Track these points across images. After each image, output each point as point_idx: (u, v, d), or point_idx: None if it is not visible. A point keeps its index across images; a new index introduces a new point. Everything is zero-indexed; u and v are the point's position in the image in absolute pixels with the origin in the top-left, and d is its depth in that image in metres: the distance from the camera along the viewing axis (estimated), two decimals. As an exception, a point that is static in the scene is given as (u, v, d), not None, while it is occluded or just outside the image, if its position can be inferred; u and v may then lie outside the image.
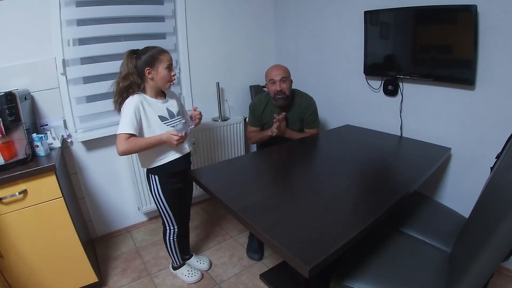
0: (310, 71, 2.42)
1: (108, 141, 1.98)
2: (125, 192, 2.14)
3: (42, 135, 1.46)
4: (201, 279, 1.70)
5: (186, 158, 1.53)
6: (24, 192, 1.29)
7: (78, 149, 1.91)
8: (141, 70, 1.34)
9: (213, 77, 2.33)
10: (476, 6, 1.39)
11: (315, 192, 1.28)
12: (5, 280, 1.35)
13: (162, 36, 2.13)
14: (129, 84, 1.33)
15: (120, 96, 1.36)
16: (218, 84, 2.34)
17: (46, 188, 1.34)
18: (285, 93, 1.84)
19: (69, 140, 1.85)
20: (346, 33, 2.09)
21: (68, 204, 1.41)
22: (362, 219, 1.03)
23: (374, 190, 1.28)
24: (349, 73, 2.15)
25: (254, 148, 2.56)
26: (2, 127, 1.26)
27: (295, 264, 0.87)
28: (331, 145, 1.88)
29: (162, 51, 1.34)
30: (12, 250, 1.33)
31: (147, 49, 1.35)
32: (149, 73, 1.34)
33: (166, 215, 1.55)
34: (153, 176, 1.47)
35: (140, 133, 1.35)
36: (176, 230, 1.60)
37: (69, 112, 1.83)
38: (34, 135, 1.42)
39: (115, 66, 1.92)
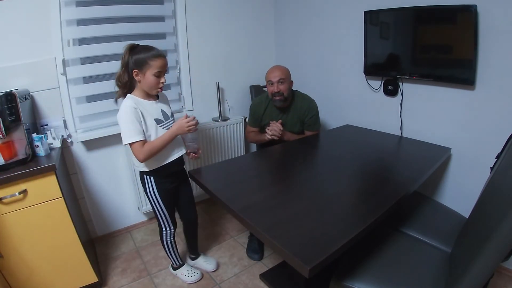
0: (310, 71, 2.42)
1: (108, 141, 1.98)
2: (125, 192, 2.14)
3: (42, 135, 1.46)
4: (200, 279, 1.70)
5: (180, 158, 1.52)
6: (24, 192, 1.29)
7: (78, 149, 1.91)
8: (130, 69, 1.29)
9: (213, 77, 2.34)
10: (476, 6, 1.39)
11: (315, 192, 1.28)
12: (5, 280, 1.35)
13: (162, 36, 2.13)
14: (117, 77, 1.33)
15: (117, 86, 1.35)
16: (218, 84, 2.34)
17: (46, 188, 1.34)
18: (282, 95, 1.83)
19: (69, 140, 1.85)
20: (346, 33, 2.10)
21: (68, 204, 1.41)
22: (362, 219, 1.03)
23: (374, 190, 1.28)
24: (349, 73, 2.15)
25: (254, 148, 2.56)
26: (2, 127, 1.26)
27: (295, 264, 0.87)
28: (331, 145, 1.89)
29: (155, 56, 1.26)
30: (12, 250, 1.33)
31: (143, 49, 1.28)
32: (136, 75, 1.29)
33: (162, 215, 1.54)
34: (147, 177, 1.44)
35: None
36: (172, 230, 1.60)
37: (69, 112, 1.83)
38: (34, 135, 1.42)
39: (115, 66, 1.92)
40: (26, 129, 1.37)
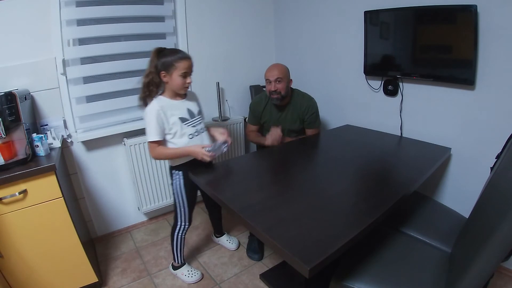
0: (310, 71, 2.42)
1: (108, 141, 1.98)
2: (125, 192, 2.14)
3: (42, 135, 1.46)
4: (201, 279, 1.70)
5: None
6: (24, 192, 1.29)
7: (78, 149, 1.91)
8: (158, 71, 1.38)
9: (213, 77, 2.33)
10: (476, 6, 1.39)
11: (315, 192, 1.28)
12: (5, 280, 1.35)
13: (162, 36, 2.13)
14: (148, 81, 1.39)
15: (144, 92, 1.42)
16: (218, 84, 2.34)
17: (46, 188, 1.34)
18: (280, 93, 1.84)
19: (69, 140, 1.85)
20: (346, 33, 2.09)
21: (68, 204, 1.41)
22: (362, 219, 1.03)
23: (374, 190, 1.28)
24: (349, 73, 2.15)
25: (254, 148, 2.56)
26: (2, 127, 1.26)
27: (295, 264, 0.87)
28: (331, 145, 1.89)
29: (181, 58, 1.35)
30: (12, 250, 1.33)
31: (169, 52, 1.37)
32: (164, 76, 1.38)
33: (182, 210, 1.58)
34: (177, 171, 1.53)
35: (164, 136, 1.43)
36: (186, 227, 1.63)
37: (69, 112, 1.83)
38: (34, 135, 1.42)
39: (115, 66, 1.95)
40: (26, 129, 1.37)
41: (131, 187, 2.12)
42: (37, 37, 1.65)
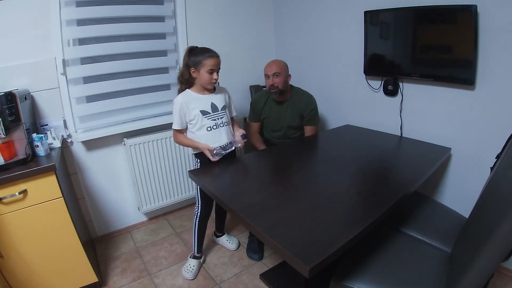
0: (310, 71, 2.42)
1: (108, 141, 1.98)
2: (125, 192, 2.14)
3: (42, 135, 1.46)
4: (193, 279, 1.70)
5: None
6: (24, 192, 1.29)
7: (78, 149, 1.91)
8: (188, 68, 1.52)
9: (213, 77, 2.33)
10: (476, 6, 1.39)
11: (315, 192, 1.28)
12: (5, 280, 1.35)
13: (162, 36, 2.13)
14: (180, 75, 1.57)
15: (180, 84, 1.59)
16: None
17: (46, 188, 1.34)
18: (277, 87, 1.88)
19: (69, 140, 1.85)
20: (346, 33, 2.09)
21: (68, 204, 1.41)
22: (362, 219, 1.03)
23: (374, 190, 1.28)
24: (349, 73, 2.15)
25: (254, 148, 2.56)
26: (2, 127, 1.26)
27: (295, 264, 0.87)
28: (331, 145, 1.88)
29: (209, 57, 1.47)
30: (12, 250, 1.33)
31: (199, 51, 1.49)
32: (193, 72, 1.51)
33: (198, 195, 1.68)
34: (196, 158, 1.66)
35: (186, 125, 1.58)
36: (199, 212, 1.70)
37: (69, 112, 1.83)
38: (34, 135, 1.42)
39: (115, 66, 1.95)
40: (26, 129, 1.37)
41: (131, 187, 2.12)
42: (37, 37, 1.65)
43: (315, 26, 2.30)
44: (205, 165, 1.60)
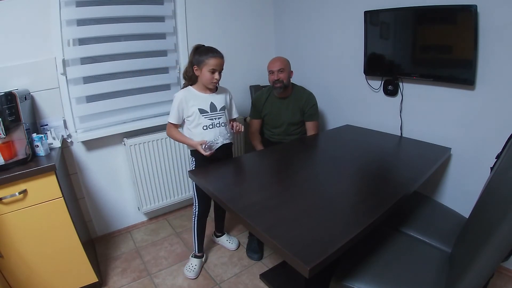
0: (310, 71, 2.42)
1: (108, 141, 1.98)
2: (125, 192, 2.14)
3: (42, 135, 1.45)
4: (195, 278, 1.70)
5: (223, 147, 1.58)
6: (24, 192, 1.29)
7: (78, 149, 1.91)
8: (193, 65, 1.53)
9: (213, 77, 2.33)
10: (476, 6, 1.39)
11: (315, 192, 1.28)
12: (5, 280, 1.35)
13: (162, 36, 2.13)
14: (184, 72, 1.59)
15: (184, 80, 1.62)
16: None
17: (46, 188, 1.34)
18: (282, 82, 1.92)
19: (69, 140, 1.85)
20: (346, 33, 2.09)
21: (68, 204, 1.41)
22: (362, 219, 1.03)
23: (374, 190, 1.28)
24: (349, 73, 2.15)
25: (254, 148, 2.56)
26: (2, 127, 1.26)
27: (295, 264, 0.87)
28: (331, 145, 1.89)
29: (212, 56, 1.48)
30: (12, 250, 1.33)
31: (204, 50, 1.51)
32: (196, 70, 1.53)
33: (194, 194, 1.69)
34: (192, 157, 1.67)
35: (182, 121, 1.60)
36: (198, 212, 1.71)
37: (69, 112, 1.83)
38: (34, 135, 1.42)
39: (115, 66, 1.95)
40: (26, 129, 1.37)
41: (131, 187, 2.12)
42: (37, 37, 1.65)
43: (315, 26, 2.30)
44: (201, 162, 1.61)
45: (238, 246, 1.95)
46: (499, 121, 1.47)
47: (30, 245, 1.37)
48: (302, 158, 1.68)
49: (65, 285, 1.51)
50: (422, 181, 1.33)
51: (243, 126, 1.65)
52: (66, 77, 1.77)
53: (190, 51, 1.56)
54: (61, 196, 1.38)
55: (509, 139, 1.14)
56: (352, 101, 2.19)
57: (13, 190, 1.26)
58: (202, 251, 1.81)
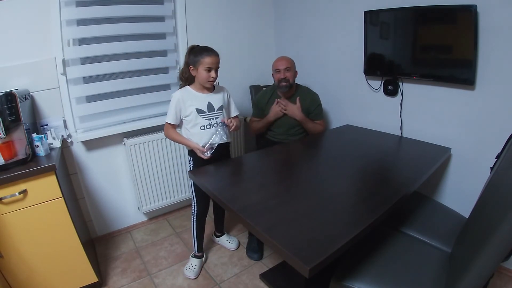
0: (310, 71, 2.42)
1: (108, 141, 1.98)
2: (125, 192, 2.14)
3: (42, 135, 1.45)
4: (196, 277, 1.70)
5: (219, 147, 1.58)
6: (24, 192, 1.29)
7: (78, 149, 1.91)
8: (188, 66, 1.53)
9: (213, 77, 2.33)
10: (476, 6, 1.39)
11: (315, 192, 1.28)
12: (5, 280, 1.35)
13: (162, 36, 2.13)
14: (181, 73, 1.60)
15: (181, 82, 1.62)
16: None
17: (46, 188, 1.34)
18: (288, 81, 1.93)
19: (69, 140, 1.85)
20: (346, 33, 2.09)
21: (68, 204, 1.41)
22: (362, 219, 1.03)
23: (374, 190, 1.27)
24: (349, 73, 2.15)
25: (254, 148, 2.56)
26: (2, 127, 1.26)
27: (295, 264, 0.87)
28: (331, 145, 1.89)
29: (207, 55, 1.48)
30: (12, 250, 1.33)
31: (199, 49, 1.51)
32: (192, 70, 1.53)
33: (192, 194, 1.69)
34: (189, 157, 1.67)
35: (180, 121, 1.60)
36: (196, 212, 1.72)
37: (69, 112, 1.83)
38: (34, 135, 1.42)
39: (115, 66, 1.94)
40: (26, 129, 1.37)
41: (131, 187, 2.12)
42: (37, 37, 1.65)
43: (315, 26, 2.30)
44: (198, 162, 1.61)
45: (238, 246, 1.95)
46: (499, 121, 1.47)
47: (30, 245, 1.37)
48: (302, 158, 1.68)
49: (65, 285, 1.51)
50: (422, 181, 1.33)
51: (234, 122, 1.61)
52: (66, 77, 1.77)
53: (186, 52, 1.55)
54: (61, 196, 1.38)
55: (509, 139, 1.14)
56: (352, 101, 2.19)
57: (13, 190, 1.26)
58: (202, 251, 1.81)
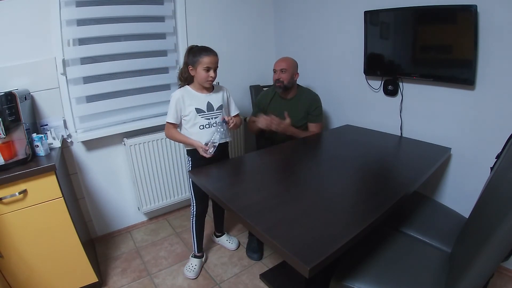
0: (310, 71, 2.42)
1: (108, 141, 1.98)
2: (125, 192, 2.14)
3: (42, 135, 1.45)
4: (196, 277, 1.70)
5: (218, 146, 1.56)
6: (24, 192, 1.29)
7: (78, 149, 1.91)
8: (187, 66, 1.54)
9: (213, 77, 2.33)
10: (476, 6, 1.39)
11: (315, 192, 1.28)
12: (5, 280, 1.35)
13: (162, 36, 2.13)
14: (180, 73, 1.61)
15: (180, 82, 1.62)
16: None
17: (46, 188, 1.34)
18: (282, 82, 1.92)
19: (69, 140, 1.85)
20: (346, 33, 2.10)
21: (68, 204, 1.41)
22: (362, 219, 1.03)
23: (374, 190, 1.27)
24: (349, 73, 2.15)
25: (254, 148, 2.56)
26: (2, 127, 1.26)
27: (295, 264, 0.87)
28: (331, 145, 1.89)
29: (205, 55, 1.49)
30: (12, 250, 1.33)
31: (197, 49, 1.51)
32: (191, 70, 1.54)
33: (191, 193, 1.69)
34: (188, 156, 1.67)
35: (180, 120, 1.60)
36: (195, 211, 1.71)
37: (69, 112, 1.83)
38: (34, 135, 1.42)
39: (115, 66, 1.95)
40: (26, 129, 1.37)
41: (131, 187, 2.12)
42: (37, 37, 1.65)
43: (315, 26, 2.30)
44: (197, 161, 1.61)
45: (238, 246, 1.95)
46: (499, 121, 1.47)
47: (30, 245, 1.37)
48: (302, 158, 1.68)
49: (65, 285, 1.51)
50: (422, 181, 1.33)
51: (235, 119, 1.61)
52: (66, 77, 1.77)
53: (185, 53, 1.56)
54: (61, 196, 1.38)
55: (509, 139, 1.14)
56: (352, 101, 2.20)
57: (13, 190, 1.26)
58: (201, 251, 1.82)
